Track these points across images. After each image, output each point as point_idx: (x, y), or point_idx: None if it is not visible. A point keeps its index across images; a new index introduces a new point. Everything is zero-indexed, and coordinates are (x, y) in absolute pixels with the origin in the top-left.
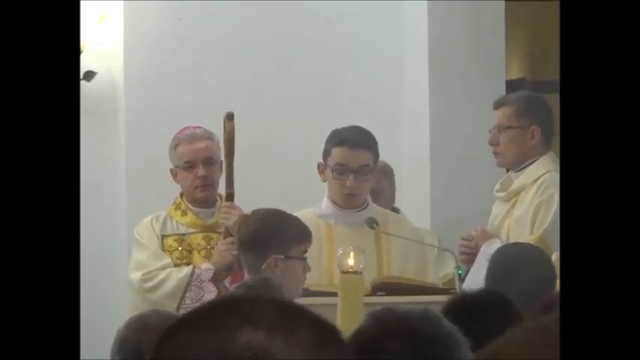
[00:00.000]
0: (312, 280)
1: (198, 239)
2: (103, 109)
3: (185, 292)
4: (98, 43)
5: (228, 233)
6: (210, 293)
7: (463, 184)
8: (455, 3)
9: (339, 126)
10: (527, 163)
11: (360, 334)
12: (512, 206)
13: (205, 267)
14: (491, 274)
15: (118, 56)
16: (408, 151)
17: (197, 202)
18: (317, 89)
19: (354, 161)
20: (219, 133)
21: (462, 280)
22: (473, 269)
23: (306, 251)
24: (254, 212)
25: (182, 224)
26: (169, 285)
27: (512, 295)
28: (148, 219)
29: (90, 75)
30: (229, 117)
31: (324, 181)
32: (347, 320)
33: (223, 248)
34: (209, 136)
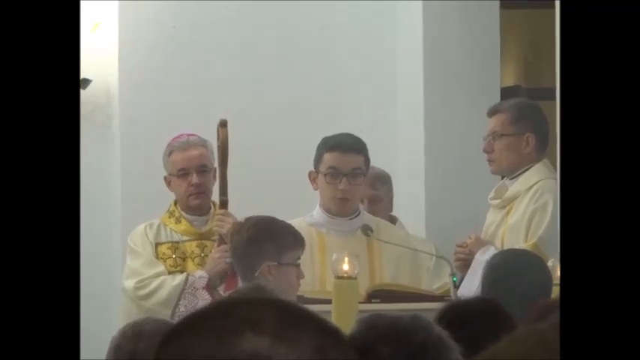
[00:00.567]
0: (304, 288)
1: (192, 247)
2: (98, 116)
3: (179, 299)
4: (93, 50)
5: (222, 241)
6: (204, 301)
7: (458, 190)
8: (450, 10)
9: (333, 133)
10: (521, 171)
11: (351, 340)
12: (507, 214)
13: (199, 274)
14: (488, 279)
15: (112, 64)
16: (403, 157)
17: (191, 210)
18: (311, 97)
19: (346, 165)
20: (213, 141)
21: (456, 287)
22: (467, 276)
23: (299, 257)
24: (247, 220)
25: (176, 232)
26: (163, 293)
27: (509, 300)
28: (141, 227)
29: (85, 83)
30: (223, 124)
31: (316, 189)
32: (342, 325)
33: (217, 256)
34: (203, 144)
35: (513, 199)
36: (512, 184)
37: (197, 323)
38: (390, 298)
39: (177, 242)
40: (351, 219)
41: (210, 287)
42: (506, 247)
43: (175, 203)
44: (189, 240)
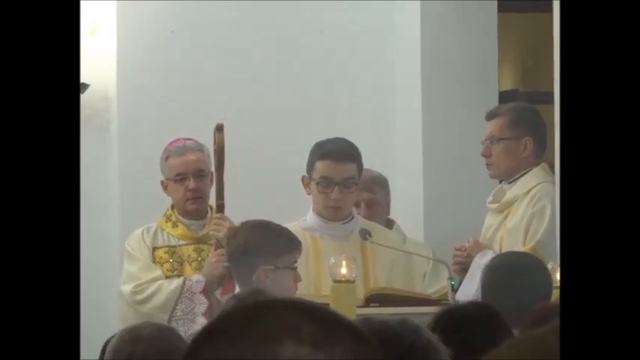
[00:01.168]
0: (299, 292)
1: (189, 251)
2: (96, 120)
3: (176, 304)
4: (91, 54)
5: (219, 245)
6: (201, 305)
7: (456, 194)
8: (447, 15)
9: (332, 135)
10: (519, 175)
11: None
12: (505, 217)
13: (196, 279)
14: (487, 282)
15: (111, 68)
16: (401, 160)
17: (188, 214)
18: (309, 98)
19: (339, 174)
20: (210, 144)
21: (454, 290)
22: (465, 280)
23: (296, 261)
24: (243, 224)
25: (173, 236)
26: (160, 297)
27: (509, 303)
28: (138, 231)
29: (83, 87)
30: (219, 128)
31: (309, 194)
32: None
33: (214, 260)
34: (200, 148)
35: (511, 202)
36: (511, 188)
37: (231, 328)
38: (388, 302)
39: (175, 246)
40: (344, 223)
41: (207, 291)
42: (504, 251)
43: (172, 207)
44: (187, 244)
